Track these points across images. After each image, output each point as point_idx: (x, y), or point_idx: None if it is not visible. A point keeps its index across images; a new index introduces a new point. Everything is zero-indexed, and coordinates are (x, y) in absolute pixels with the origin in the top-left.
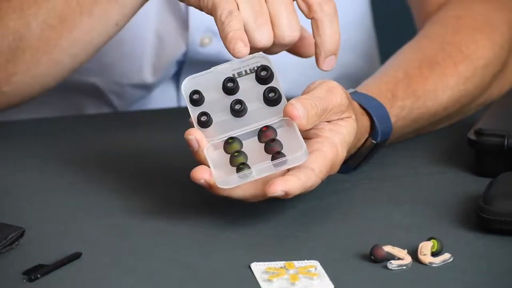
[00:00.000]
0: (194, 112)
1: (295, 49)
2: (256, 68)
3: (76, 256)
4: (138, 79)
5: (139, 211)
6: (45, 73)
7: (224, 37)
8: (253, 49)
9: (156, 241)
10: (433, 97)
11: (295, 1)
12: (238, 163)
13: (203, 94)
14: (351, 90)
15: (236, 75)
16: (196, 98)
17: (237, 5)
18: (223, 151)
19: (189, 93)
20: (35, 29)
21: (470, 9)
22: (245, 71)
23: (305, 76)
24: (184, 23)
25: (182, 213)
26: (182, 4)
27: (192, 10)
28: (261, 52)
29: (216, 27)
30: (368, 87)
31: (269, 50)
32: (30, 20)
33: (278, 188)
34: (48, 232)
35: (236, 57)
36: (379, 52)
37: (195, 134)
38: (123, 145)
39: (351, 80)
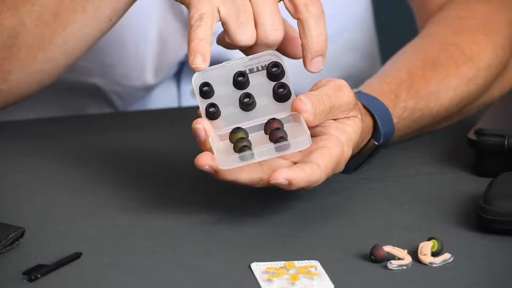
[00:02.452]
0: (202, 104)
1: (283, 50)
2: (267, 65)
3: (76, 256)
4: (140, 80)
5: (139, 211)
6: (41, 70)
7: (188, 44)
8: (234, 47)
9: (156, 241)
10: (435, 98)
11: (281, 1)
12: (241, 146)
13: (213, 87)
14: (355, 90)
15: (248, 71)
16: (206, 91)
17: (219, 4)
18: (229, 141)
19: (199, 85)
20: (29, 27)
21: (472, 10)
22: (257, 67)
23: (309, 76)
24: (186, 24)
25: (182, 213)
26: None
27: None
28: (273, 50)
29: (218, 28)
30: (371, 87)
31: (252, 50)
32: (25, 18)
33: (282, 176)
34: (48, 232)
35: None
36: (380, 52)
37: (203, 124)
38: (123, 145)
39: (352, 80)
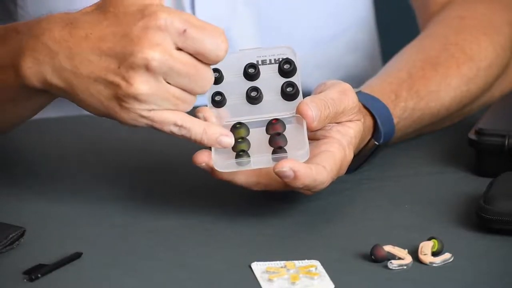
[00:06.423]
0: (209, 90)
1: None
2: (280, 60)
3: (76, 256)
4: None
5: (139, 211)
6: None
7: (205, 144)
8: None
9: (156, 241)
10: (435, 98)
11: None
12: (239, 149)
13: (223, 74)
14: (356, 90)
15: (260, 62)
16: (216, 77)
17: (168, 94)
18: None
19: None
20: None
21: (473, 10)
22: (270, 60)
23: (310, 77)
24: None
25: (182, 213)
26: (187, 3)
27: (198, 9)
28: (289, 45)
29: (222, 26)
30: (371, 87)
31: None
32: None
33: (288, 165)
34: (48, 232)
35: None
36: (381, 52)
37: (203, 113)
38: (123, 145)
39: (353, 81)
